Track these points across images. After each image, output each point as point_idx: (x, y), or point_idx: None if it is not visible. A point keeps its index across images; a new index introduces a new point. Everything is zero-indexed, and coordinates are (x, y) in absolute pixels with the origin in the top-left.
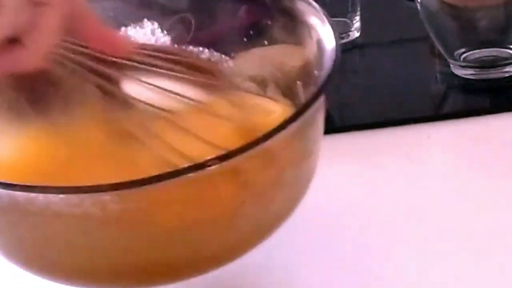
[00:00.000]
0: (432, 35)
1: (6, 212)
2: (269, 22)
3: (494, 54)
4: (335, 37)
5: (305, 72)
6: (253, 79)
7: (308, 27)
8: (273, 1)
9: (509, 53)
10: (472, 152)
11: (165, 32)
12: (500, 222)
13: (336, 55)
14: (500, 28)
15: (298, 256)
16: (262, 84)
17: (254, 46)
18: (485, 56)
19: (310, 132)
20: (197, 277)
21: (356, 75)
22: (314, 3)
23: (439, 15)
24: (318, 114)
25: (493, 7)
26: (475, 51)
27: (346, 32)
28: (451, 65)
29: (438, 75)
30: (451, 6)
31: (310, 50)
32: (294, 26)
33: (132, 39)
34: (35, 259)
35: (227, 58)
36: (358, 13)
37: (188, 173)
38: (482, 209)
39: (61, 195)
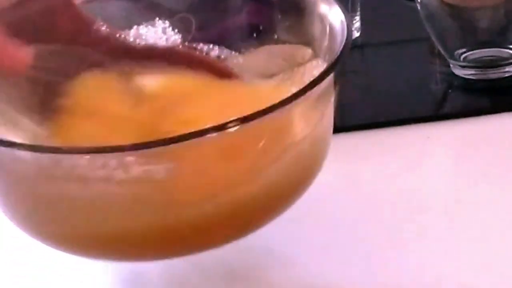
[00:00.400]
0: (432, 35)
1: (29, 178)
2: (279, 16)
3: (494, 54)
4: (346, 18)
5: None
6: (262, 75)
7: (319, 16)
8: (289, 5)
9: (509, 53)
10: (472, 152)
11: (176, 30)
12: (500, 222)
13: (348, 32)
14: (500, 28)
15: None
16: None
17: (262, 44)
18: (485, 56)
19: (323, 104)
20: (197, 260)
21: (356, 75)
22: None
23: (439, 15)
24: (332, 85)
25: (493, 7)
26: (475, 51)
27: None
28: (451, 65)
29: (438, 75)
30: (451, 6)
31: (321, 39)
32: (303, 19)
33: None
34: (55, 227)
35: (237, 54)
36: (358, 13)
37: (209, 133)
38: (482, 209)
39: (87, 156)
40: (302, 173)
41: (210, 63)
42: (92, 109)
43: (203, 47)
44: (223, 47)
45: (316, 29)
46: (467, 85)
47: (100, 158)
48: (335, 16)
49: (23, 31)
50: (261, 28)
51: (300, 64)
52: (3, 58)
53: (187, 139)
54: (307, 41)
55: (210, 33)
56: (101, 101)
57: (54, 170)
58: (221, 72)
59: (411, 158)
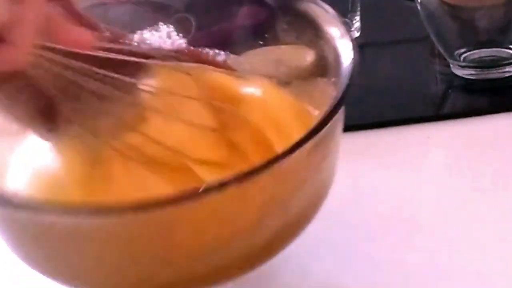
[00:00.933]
0: (432, 35)
1: (30, 228)
2: (286, 26)
3: (494, 54)
4: (353, 47)
5: (313, 70)
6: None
7: (327, 37)
8: (288, 7)
9: (509, 53)
10: (472, 152)
11: (180, 35)
12: (500, 222)
13: (353, 65)
14: (500, 28)
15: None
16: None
17: (262, 45)
18: (485, 56)
19: (330, 143)
20: None
21: (356, 75)
22: (333, 12)
23: (439, 15)
24: (337, 124)
25: (493, 7)
26: (475, 51)
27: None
28: (451, 65)
29: (438, 75)
30: (451, 6)
31: (324, 53)
32: (312, 34)
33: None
34: (65, 272)
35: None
36: (358, 13)
37: (208, 193)
38: (482, 209)
39: (86, 216)
40: (309, 210)
41: (219, 66)
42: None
43: (208, 52)
44: (229, 53)
45: (325, 46)
46: (467, 85)
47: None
48: (343, 44)
49: None
50: (261, 29)
51: (300, 66)
52: (68, 37)
53: (184, 200)
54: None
55: (210, 33)
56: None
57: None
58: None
59: (411, 158)
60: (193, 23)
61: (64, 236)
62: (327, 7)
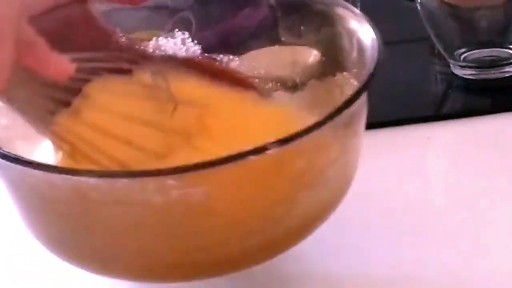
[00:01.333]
0: (432, 35)
1: (67, 202)
2: (302, 27)
3: (494, 54)
4: (377, 35)
5: (318, 71)
6: (262, 77)
7: (346, 29)
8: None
9: (509, 53)
10: (472, 152)
11: (195, 41)
12: (500, 222)
13: (379, 51)
14: (500, 28)
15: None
16: (273, 82)
17: (265, 45)
18: (485, 56)
19: (357, 123)
20: None
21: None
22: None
23: (439, 15)
24: (363, 107)
25: (493, 7)
26: (475, 51)
27: None
28: (451, 65)
29: (438, 75)
30: (451, 6)
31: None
32: (331, 31)
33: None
34: (91, 252)
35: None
36: None
37: (248, 156)
38: (482, 209)
39: (125, 180)
40: (334, 195)
41: (231, 74)
42: (116, 113)
43: (223, 58)
44: (244, 59)
45: (345, 42)
46: (467, 85)
47: (138, 182)
48: (365, 32)
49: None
50: (264, 29)
51: (304, 65)
52: (48, 66)
53: (225, 162)
54: (335, 53)
55: (210, 33)
56: (125, 106)
57: (91, 194)
58: (241, 83)
59: (411, 158)
60: (194, 23)
61: (110, 209)
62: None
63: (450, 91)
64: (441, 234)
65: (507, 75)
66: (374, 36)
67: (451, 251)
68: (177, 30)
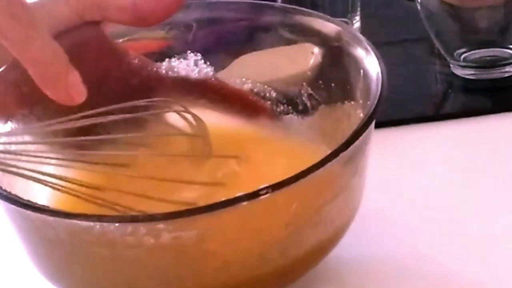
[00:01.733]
0: (432, 35)
1: (62, 242)
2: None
3: (494, 54)
4: (381, 66)
5: (306, 78)
6: (274, 98)
7: (354, 58)
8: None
9: (509, 53)
10: (472, 152)
11: (208, 63)
12: (500, 222)
13: (383, 83)
14: (500, 28)
15: None
16: (284, 105)
17: (264, 46)
18: (485, 56)
19: (360, 159)
20: None
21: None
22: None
23: (439, 15)
24: (367, 140)
25: (493, 7)
26: (475, 51)
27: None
28: (451, 65)
29: (438, 75)
30: (451, 6)
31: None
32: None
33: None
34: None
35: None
36: (358, 13)
37: (242, 202)
38: (482, 209)
39: (117, 224)
40: (331, 235)
41: (244, 96)
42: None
43: (235, 79)
44: (256, 81)
45: (351, 69)
46: (467, 85)
47: (129, 226)
48: (371, 63)
49: None
50: (262, 30)
51: (305, 63)
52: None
53: (218, 208)
54: (344, 79)
55: (210, 34)
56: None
57: (84, 236)
58: (254, 106)
59: (411, 158)
60: (194, 24)
61: (101, 250)
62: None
63: (450, 91)
64: (440, 235)
65: (507, 75)
66: (379, 70)
67: (451, 250)
68: (189, 51)
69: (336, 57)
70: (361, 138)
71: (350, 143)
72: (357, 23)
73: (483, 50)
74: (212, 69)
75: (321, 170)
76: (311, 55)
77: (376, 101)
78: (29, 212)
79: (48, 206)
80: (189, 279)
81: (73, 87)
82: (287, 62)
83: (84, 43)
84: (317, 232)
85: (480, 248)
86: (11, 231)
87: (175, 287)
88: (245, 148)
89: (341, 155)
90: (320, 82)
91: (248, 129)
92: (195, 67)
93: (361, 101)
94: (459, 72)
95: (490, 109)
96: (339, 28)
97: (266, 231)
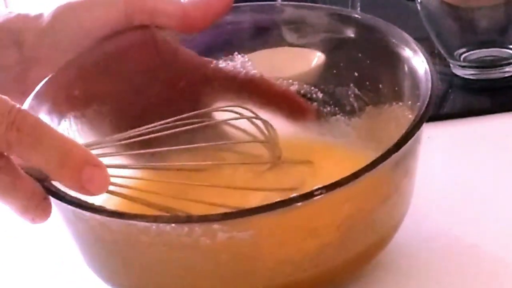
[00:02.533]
0: (432, 35)
1: (118, 243)
2: (360, 55)
3: (494, 54)
4: (429, 66)
5: (311, 77)
6: (320, 99)
7: (402, 59)
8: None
9: (509, 53)
10: (472, 152)
11: (255, 64)
12: (500, 222)
13: (433, 84)
14: (500, 28)
15: None
16: (331, 106)
17: (269, 46)
18: (485, 56)
19: (410, 160)
20: None
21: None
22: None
23: (439, 15)
24: (418, 141)
25: (493, 7)
26: (475, 51)
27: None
28: (451, 65)
29: (438, 75)
30: (451, 6)
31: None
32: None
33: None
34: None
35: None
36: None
37: (296, 202)
38: (482, 209)
39: (173, 225)
40: (386, 233)
41: (291, 96)
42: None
43: (282, 80)
44: (303, 83)
45: (399, 70)
46: (467, 85)
47: (185, 227)
48: (419, 63)
49: (108, 67)
50: (268, 30)
51: (308, 67)
52: None
53: (272, 209)
54: (391, 80)
55: (212, 33)
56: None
57: (140, 237)
58: (301, 107)
59: None
60: None
61: (157, 250)
62: (400, 31)
63: (450, 91)
64: (440, 235)
65: (507, 75)
66: (428, 70)
67: (450, 252)
68: (236, 53)
69: (384, 57)
70: (412, 139)
71: (402, 144)
72: None
73: (483, 50)
74: (259, 71)
75: (373, 171)
76: (315, 56)
77: (427, 102)
78: (85, 213)
79: (104, 207)
80: (243, 279)
81: (89, 181)
82: (292, 62)
83: (132, 46)
84: (368, 234)
85: (479, 247)
86: (66, 233)
87: (230, 287)
88: (309, 154)
89: (393, 156)
90: (367, 83)
91: (305, 135)
92: (242, 69)
93: (409, 102)
94: (459, 72)
95: (490, 109)
96: (386, 28)
97: (319, 232)
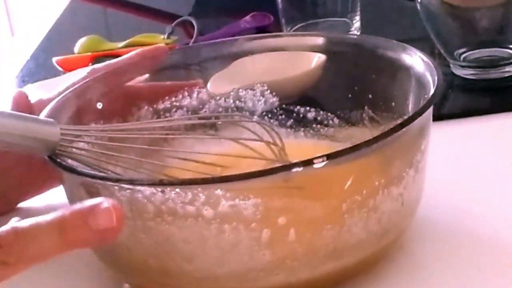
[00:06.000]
0: (432, 35)
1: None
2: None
3: (494, 54)
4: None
5: (311, 77)
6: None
7: (412, 75)
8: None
9: (509, 53)
10: (472, 152)
11: (274, 93)
12: (500, 221)
13: (438, 76)
14: (500, 28)
15: None
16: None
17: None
18: (485, 56)
19: (426, 133)
20: None
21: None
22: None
23: (439, 15)
24: (427, 125)
25: (493, 7)
26: (475, 51)
27: (346, 32)
28: (451, 65)
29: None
30: (451, 6)
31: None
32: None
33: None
34: (145, 262)
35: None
36: (358, 13)
37: (296, 167)
38: (482, 209)
39: (177, 189)
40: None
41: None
42: None
43: (300, 109)
44: (319, 109)
45: (410, 87)
46: (467, 85)
47: (189, 192)
48: (429, 76)
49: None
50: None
51: (308, 68)
52: None
53: (275, 173)
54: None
55: (212, 37)
56: None
57: (145, 207)
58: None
59: None
60: (196, 26)
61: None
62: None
63: (450, 91)
64: (439, 235)
65: (507, 75)
66: (436, 78)
67: (450, 250)
68: (257, 83)
69: (394, 76)
70: (417, 121)
71: (405, 125)
72: (357, 23)
73: (483, 50)
74: (278, 99)
75: (373, 146)
76: (312, 59)
77: (436, 84)
78: (95, 181)
79: (109, 175)
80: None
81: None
82: (287, 65)
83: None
84: (374, 225)
85: (478, 247)
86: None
87: (234, 263)
88: None
89: (396, 134)
90: (381, 103)
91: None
92: (261, 97)
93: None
94: (459, 72)
95: (490, 109)
96: (389, 43)
97: (323, 204)
